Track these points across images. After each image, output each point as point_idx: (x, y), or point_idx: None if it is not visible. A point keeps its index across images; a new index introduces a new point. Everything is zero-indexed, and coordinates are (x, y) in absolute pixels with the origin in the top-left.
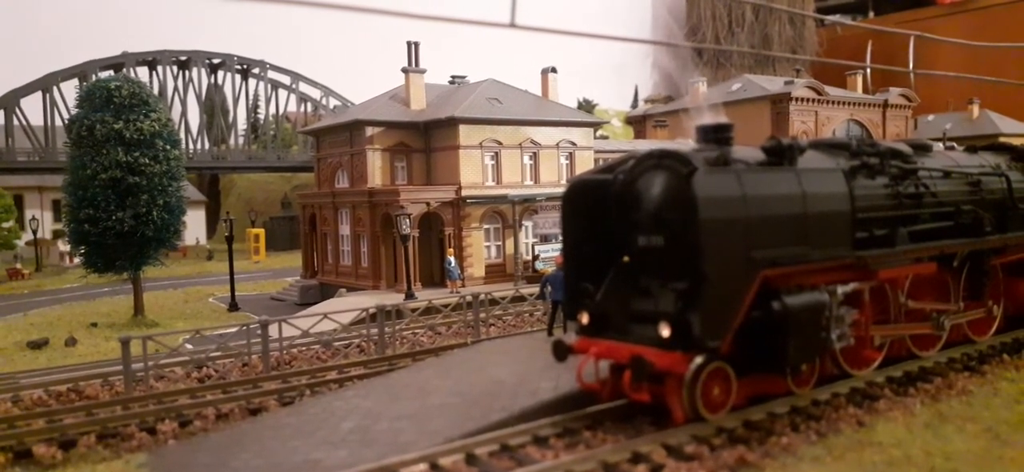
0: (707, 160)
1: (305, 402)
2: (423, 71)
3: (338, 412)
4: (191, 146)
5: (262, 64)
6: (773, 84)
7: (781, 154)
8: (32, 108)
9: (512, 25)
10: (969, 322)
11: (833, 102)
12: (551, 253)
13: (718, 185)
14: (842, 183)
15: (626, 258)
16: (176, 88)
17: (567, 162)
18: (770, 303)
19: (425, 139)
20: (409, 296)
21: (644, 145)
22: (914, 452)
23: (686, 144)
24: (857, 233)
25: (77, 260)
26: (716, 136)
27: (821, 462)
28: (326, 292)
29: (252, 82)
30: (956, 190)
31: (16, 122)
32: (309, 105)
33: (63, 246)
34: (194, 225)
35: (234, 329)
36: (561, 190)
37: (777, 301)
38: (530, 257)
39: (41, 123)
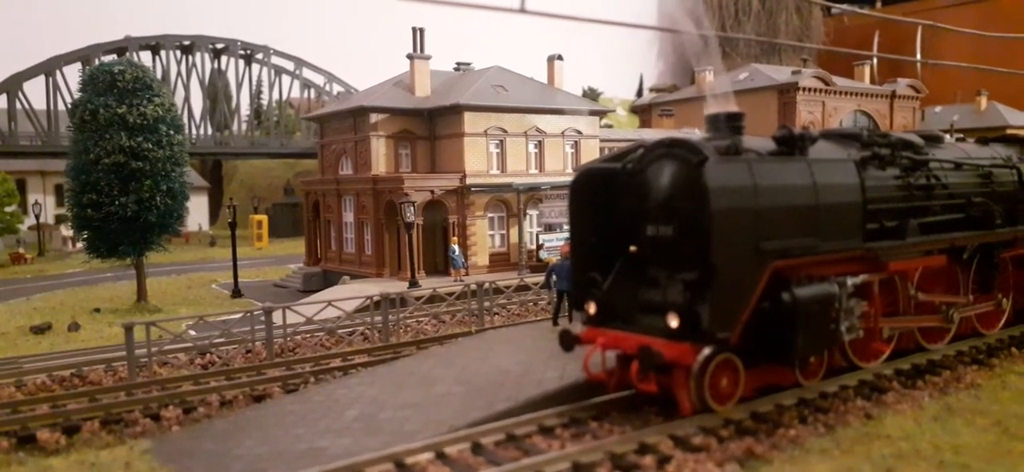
0: (718, 149)
1: (309, 390)
2: (428, 57)
3: (342, 400)
4: (194, 131)
5: (265, 49)
6: (780, 74)
7: (792, 144)
8: (35, 92)
9: (522, 10)
10: (978, 315)
11: (840, 92)
12: (555, 242)
13: (729, 175)
14: (853, 174)
15: (634, 248)
16: (179, 73)
17: (572, 150)
18: (779, 294)
19: (430, 126)
20: (413, 284)
21: (650, 134)
22: (923, 445)
23: (692, 133)
24: (867, 224)
25: (80, 245)
26: (727, 125)
27: (829, 454)
28: (329, 279)
29: (255, 67)
30: (967, 182)
31: (19, 106)
32: (313, 91)
33: (66, 231)
34: (197, 211)
35: (237, 315)
36: (566, 179)
37: (787, 292)
38: (534, 246)
39: (44, 107)
